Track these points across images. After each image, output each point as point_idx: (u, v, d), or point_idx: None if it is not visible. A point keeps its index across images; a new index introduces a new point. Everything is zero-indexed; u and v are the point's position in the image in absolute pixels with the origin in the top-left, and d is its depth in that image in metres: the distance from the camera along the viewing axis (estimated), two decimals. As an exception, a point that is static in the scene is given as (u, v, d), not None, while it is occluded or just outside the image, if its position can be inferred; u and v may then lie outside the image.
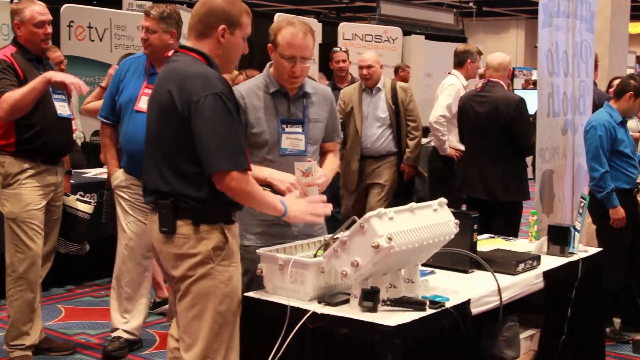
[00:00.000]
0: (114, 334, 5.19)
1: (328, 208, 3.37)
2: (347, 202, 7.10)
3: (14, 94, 4.53)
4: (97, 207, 6.43)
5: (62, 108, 4.83)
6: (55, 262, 6.17)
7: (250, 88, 3.78)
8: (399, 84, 7.12)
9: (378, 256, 3.04)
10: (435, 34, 16.10)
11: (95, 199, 6.65)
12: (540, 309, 4.07)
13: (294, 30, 3.68)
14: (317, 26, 12.94)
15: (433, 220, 3.34)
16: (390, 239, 3.03)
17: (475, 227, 3.85)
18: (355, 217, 3.13)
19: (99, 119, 5.27)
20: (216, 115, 3.06)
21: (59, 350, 5.17)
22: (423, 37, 15.25)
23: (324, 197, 3.45)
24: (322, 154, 4.04)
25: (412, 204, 3.30)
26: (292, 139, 3.74)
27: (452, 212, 3.68)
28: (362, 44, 13.36)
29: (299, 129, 3.77)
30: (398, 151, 6.91)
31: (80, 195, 5.43)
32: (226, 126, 3.08)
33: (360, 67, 6.87)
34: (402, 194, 6.91)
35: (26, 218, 4.71)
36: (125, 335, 5.17)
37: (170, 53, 3.34)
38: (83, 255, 6.21)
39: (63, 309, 6.19)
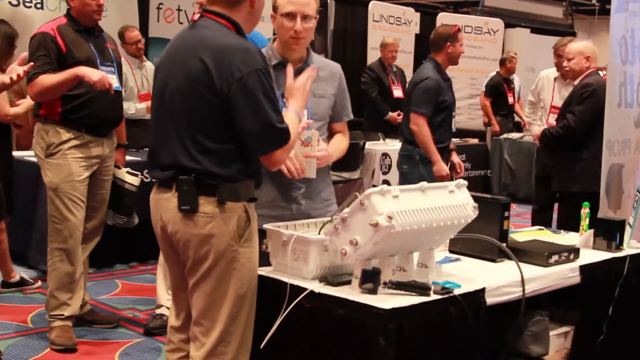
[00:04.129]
0: (158, 311, 5.19)
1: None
2: None
3: (48, 81, 4.54)
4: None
5: (110, 80, 4.82)
6: (122, 240, 6.28)
7: None
8: None
9: (377, 235, 2.89)
10: (542, 27, 15.60)
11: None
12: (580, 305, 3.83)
13: None
14: (414, 16, 12.73)
15: (447, 201, 3.14)
16: (390, 217, 2.87)
17: (506, 214, 3.63)
18: (357, 193, 2.98)
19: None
20: (260, 94, 2.92)
21: (102, 322, 5.21)
22: (528, 30, 14.79)
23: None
24: (332, 136, 3.85)
25: (424, 183, 3.13)
26: None
27: (481, 197, 3.51)
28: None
29: None
30: None
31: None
32: (269, 104, 2.94)
33: None
34: None
35: (66, 189, 4.72)
36: (169, 312, 5.14)
37: (196, 17, 3.18)
38: (150, 234, 6.27)
39: (120, 284, 6.25)
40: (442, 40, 6.12)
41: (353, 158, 8.25)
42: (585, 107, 5.80)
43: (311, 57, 3.71)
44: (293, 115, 3.10)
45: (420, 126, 5.98)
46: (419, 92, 6.01)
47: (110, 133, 4.99)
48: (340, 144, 3.82)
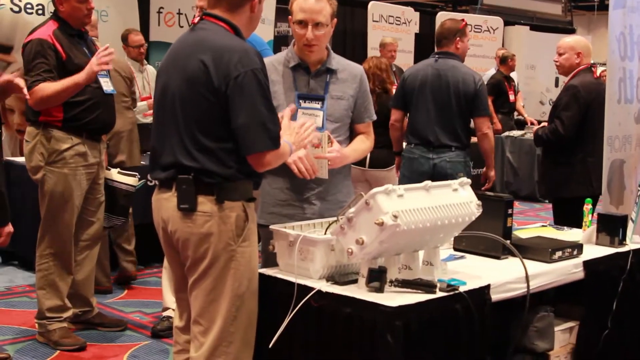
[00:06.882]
0: (164, 313, 5.22)
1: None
2: None
3: (49, 89, 4.53)
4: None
5: (106, 84, 4.85)
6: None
7: (270, 62, 3.64)
8: None
9: (383, 234, 2.92)
10: (541, 24, 15.63)
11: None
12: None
13: None
14: (414, 15, 12.78)
15: (451, 200, 3.18)
16: (395, 216, 2.90)
17: (510, 211, 3.66)
18: (362, 193, 3.02)
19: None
20: (255, 93, 2.99)
21: (110, 325, 5.23)
22: (527, 27, 14.83)
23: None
24: (354, 137, 3.88)
25: (428, 182, 3.16)
26: (309, 115, 3.62)
27: (484, 195, 3.55)
28: (460, 34, 13.04)
29: (317, 105, 3.65)
30: None
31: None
32: (264, 103, 3.01)
33: None
34: None
35: (68, 199, 4.76)
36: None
37: (196, 20, 3.24)
38: (154, 237, 6.28)
39: (126, 288, 6.27)
40: (452, 34, 5.85)
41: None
42: (572, 113, 5.60)
43: (331, 59, 3.75)
44: (284, 143, 3.14)
45: (490, 129, 5.92)
46: (486, 95, 5.87)
47: (101, 137, 5.03)
48: (360, 145, 3.85)
